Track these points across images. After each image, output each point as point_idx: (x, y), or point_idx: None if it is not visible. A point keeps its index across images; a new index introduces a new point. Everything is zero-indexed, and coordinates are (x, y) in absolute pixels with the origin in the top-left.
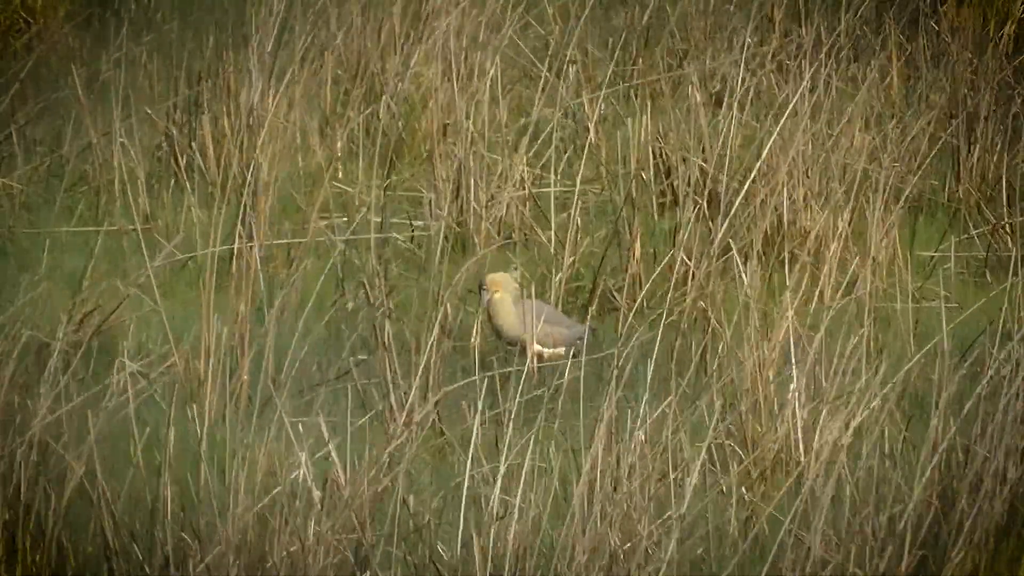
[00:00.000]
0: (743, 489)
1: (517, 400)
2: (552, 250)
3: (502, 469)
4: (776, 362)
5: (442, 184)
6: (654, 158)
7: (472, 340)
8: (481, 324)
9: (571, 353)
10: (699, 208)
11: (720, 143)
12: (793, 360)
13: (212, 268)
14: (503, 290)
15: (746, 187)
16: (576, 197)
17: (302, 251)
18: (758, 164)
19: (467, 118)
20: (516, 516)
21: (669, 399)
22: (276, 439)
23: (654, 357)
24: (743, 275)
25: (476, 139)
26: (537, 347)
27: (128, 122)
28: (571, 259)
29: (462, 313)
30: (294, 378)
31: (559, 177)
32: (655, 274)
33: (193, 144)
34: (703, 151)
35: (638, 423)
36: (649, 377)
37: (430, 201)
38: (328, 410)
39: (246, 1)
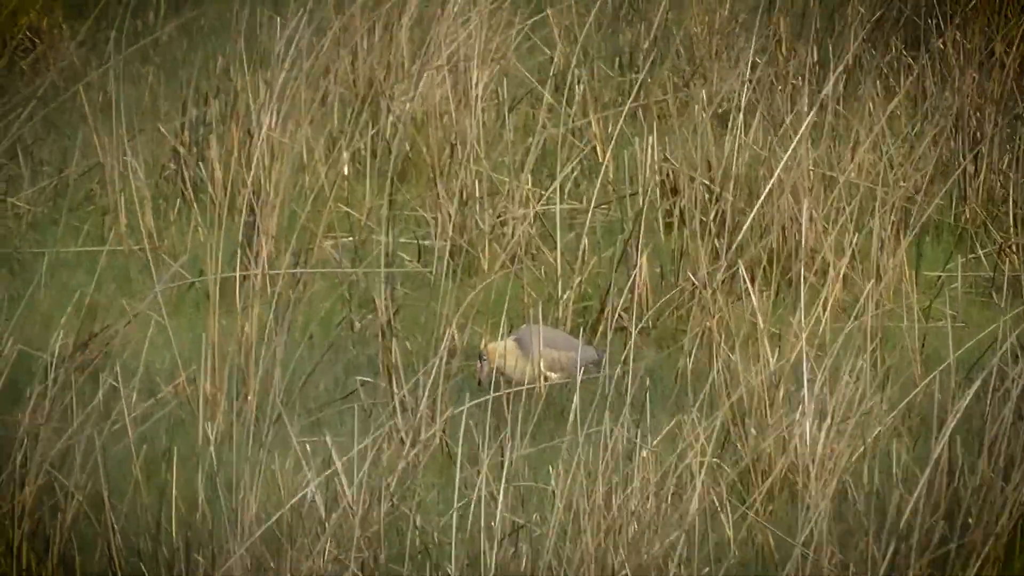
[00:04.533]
0: (749, 508)
1: (523, 421)
2: (559, 270)
3: (506, 488)
4: (784, 381)
5: (447, 205)
6: (661, 177)
7: (480, 362)
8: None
9: (581, 375)
10: (705, 228)
11: (726, 162)
12: (804, 378)
13: (217, 289)
14: (499, 355)
15: (755, 209)
16: (589, 216)
17: (308, 273)
18: (768, 186)
19: (473, 139)
20: (523, 535)
21: (676, 418)
22: (283, 459)
23: (660, 377)
24: (751, 294)
25: (482, 159)
26: (547, 373)
27: (134, 141)
28: (578, 279)
29: (468, 334)
30: (301, 398)
31: (566, 197)
32: (663, 297)
33: (200, 164)
34: (710, 170)
35: (645, 442)
36: (651, 397)
37: (436, 221)
38: (335, 430)
39: (255, 22)
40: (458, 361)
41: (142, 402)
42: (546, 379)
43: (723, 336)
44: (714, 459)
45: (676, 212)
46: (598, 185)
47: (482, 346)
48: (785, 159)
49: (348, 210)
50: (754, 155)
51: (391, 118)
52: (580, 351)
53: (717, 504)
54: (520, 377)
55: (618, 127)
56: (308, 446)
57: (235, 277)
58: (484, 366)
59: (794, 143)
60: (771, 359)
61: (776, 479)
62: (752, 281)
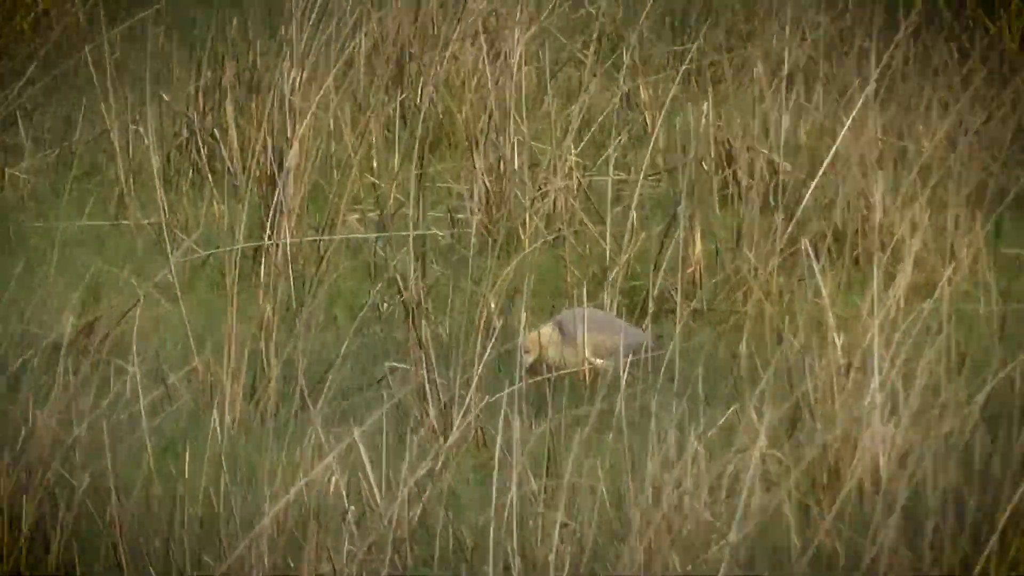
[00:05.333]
0: (815, 507)
1: (566, 410)
2: (606, 247)
3: (549, 484)
4: (852, 369)
5: (484, 175)
6: (715, 146)
7: (520, 344)
8: (527, 327)
9: (629, 361)
10: (764, 201)
11: (786, 130)
12: (875, 367)
13: (235, 265)
14: (543, 344)
15: (816, 179)
16: (638, 188)
17: (333, 248)
18: (830, 155)
19: (511, 104)
20: (566, 536)
21: (732, 408)
22: (305, 451)
23: (714, 363)
24: (816, 274)
25: (521, 127)
26: (593, 359)
27: (144, 108)
28: (626, 256)
29: (506, 315)
30: (324, 385)
31: (612, 168)
32: (718, 276)
33: (216, 132)
34: (768, 139)
35: (697, 435)
36: (704, 385)
37: (471, 194)
38: (361, 420)
39: None
40: (495, 345)
41: (152, 390)
42: (591, 365)
43: (785, 320)
44: (775, 452)
45: (732, 184)
46: (647, 155)
47: (522, 338)
48: (848, 125)
49: (375, 180)
50: (817, 123)
51: (423, 83)
52: (628, 334)
53: (780, 503)
54: (563, 364)
55: (670, 93)
56: (332, 437)
57: (253, 254)
58: (526, 359)
59: (857, 108)
60: (839, 345)
61: (844, 476)
62: (816, 259)
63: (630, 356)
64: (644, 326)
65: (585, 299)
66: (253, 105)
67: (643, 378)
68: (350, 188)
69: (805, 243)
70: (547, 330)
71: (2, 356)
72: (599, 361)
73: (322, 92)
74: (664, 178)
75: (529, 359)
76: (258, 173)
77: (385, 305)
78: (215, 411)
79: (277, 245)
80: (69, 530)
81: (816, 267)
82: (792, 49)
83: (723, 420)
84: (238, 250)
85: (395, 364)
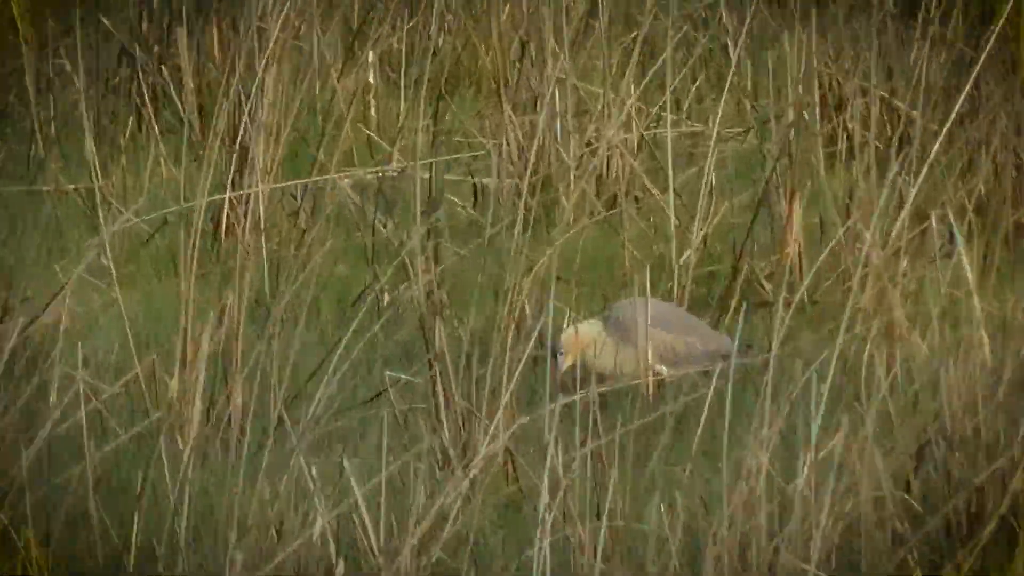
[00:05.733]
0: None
1: (622, 432)
2: (674, 220)
3: (603, 529)
4: (1003, 381)
5: (515, 127)
6: (820, 89)
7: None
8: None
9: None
10: (884, 160)
11: (913, 67)
12: None
13: (191, 244)
14: (584, 344)
15: (946, 127)
16: (716, 143)
17: (319, 223)
18: (961, 97)
19: (549, 32)
20: None
21: (841, 433)
22: (282, 488)
23: (819, 374)
24: (956, 255)
25: (563, 63)
26: (657, 367)
27: (72, 38)
28: (702, 232)
29: (545, 310)
30: (306, 402)
31: (684, 117)
32: (822, 255)
33: (165, 68)
34: (890, 79)
35: (800, 467)
36: (806, 401)
37: (499, 151)
38: (355, 447)
39: None
40: (530, 349)
41: (81, 407)
42: (656, 375)
43: (913, 316)
44: (901, 494)
45: (841, 138)
46: (729, 99)
47: (560, 335)
48: (985, 55)
49: (373, 135)
50: (954, 57)
51: (436, 6)
52: (705, 338)
53: (903, 560)
54: (616, 372)
55: (757, 17)
56: (316, 469)
57: (213, 230)
58: (562, 361)
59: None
60: (985, 348)
61: (986, 523)
62: (953, 236)
63: (706, 366)
64: (725, 328)
65: (648, 289)
66: (214, 33)
67: (725, 394)
68: (341, 144)
69: (937, 215)
70: (590, 327)
71: None
72: (665, 370)
73: (304, 17)
74: (752, 131)
75: (564, 363)
76: (220, 124)
77: (386, 297)
78: (163, 436)
79: (245, 217)
80: None
81: (959, 245)
82: None
83: (829, 448)
84: (195, 224)
85: (399, 374)
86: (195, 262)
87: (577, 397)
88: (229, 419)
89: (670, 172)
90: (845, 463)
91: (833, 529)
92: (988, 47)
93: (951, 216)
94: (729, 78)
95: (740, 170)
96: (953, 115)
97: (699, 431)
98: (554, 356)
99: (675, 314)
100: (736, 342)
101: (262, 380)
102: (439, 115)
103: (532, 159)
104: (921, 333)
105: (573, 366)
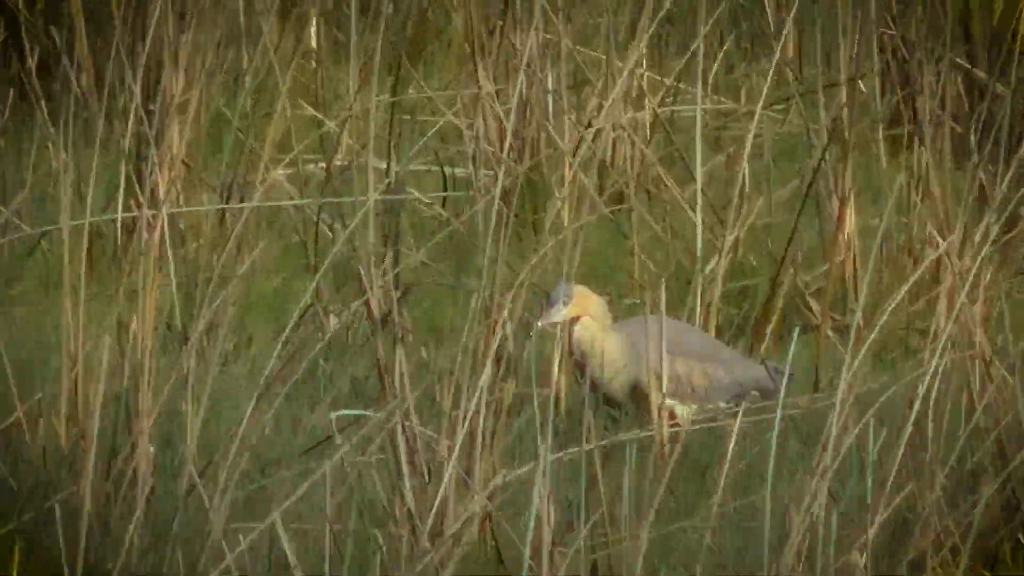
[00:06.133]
0: None
1: (631, 490)
2: (698, 221)
3: None
4: None
5: (495, 103)
6: (881, 55)
7: (552, 383)
8: (562, 360)
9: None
10: (959, 146)
11: (998, 23)
12: None
13: (83, 253)
14: (590, 313)
15: None
16: (754, 125)
17: (247, 223)
18: None
19: None
20: None
21: (908, 489)
22: (199, 564)
23: (881, 415)
24: None
25: (556, 20)
26: (669, 401)
27: None
28: (732, 237)
29: (534, 334)
30: (231, 451)
31: (709, 92)
32: (886, 271)
33: (54, 30)
34: (968, 41)
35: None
36: (860, 452)
37: (475, 135)
38: (291, 511)
39: None
40: (516, 382)
41: None
42: (672, 417)
43: (997, 342)
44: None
45: (907, 117)
46: (770, 69)
47: (570, 282)
48: None
49: (317, 114)
50: None
51: None
52: (733, 367)
53: None
54: (619, 394)
55: None
56: (243, 537)
57: (114, 234)
58: (557, 312)
59: None
60: None
61: None
62: None
63: (735, 402)
64: (759, 357)
65: (663, 308)
66: None
67: (760, 440)
68: (275, 125)
69: None
70: (601, 303)
71: None
72: (681, 411)
73: None
74: (796, 107)
75: (559, 315)
76: (124, 100)
77: (332, 318)
78: (55, 491)
79: (153, 218)
80: None
81: None
82: None
83: (894, 506)
84: (88, 226)
85: (349, 411)
86: (90, 276)
87: (570, 449)
88: (134, 474)
89: (698, 160)
90: (910, 530)
91: None
92: None
93: None
94: (777, 44)
95: (781, 158)
96: None
97: (722, 482)
98: (551, 303)
99: (695, 338)
100: (783, 372)
101: (175, 425)
102: (401, 89)
103: (518, 144)
104: (1007, 366)
105: (564, 331)
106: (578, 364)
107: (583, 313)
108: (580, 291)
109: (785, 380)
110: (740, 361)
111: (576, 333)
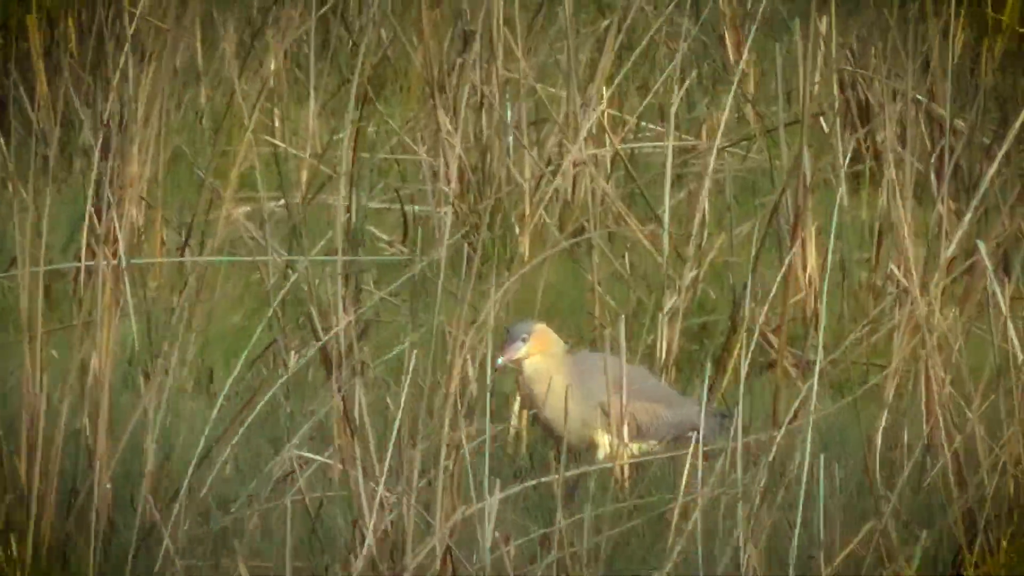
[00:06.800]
0: None
1: (593, 531)
2: (660, 257)
3: None
4: None
5: (456, 139)
6: (842, 92)
7: (510, 423)
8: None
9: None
10: (921, 181)
11: (957, 64)
12: None
13: (39, 291)
14: (550, 351)
15: (1007, 144)
16: (712, 160)
17: (207, 262)
18: None
19: (499, 18)
20: None
21: (867, 527)
22: None
23: (843, 453)
24: (1001, 301)
25: (518, 57)
26: (608, 440)
27: None
28: (692, 274)
29: (494, 375)
30: (191, 490)
31: (672, 128)
32: (847, 306)
33: (11, 66)
34: (927, 75)
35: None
36: (826, 491)
37: (435, 170)
38: (251, 548)
39: None
40: (476, 421)
41: None
42: (615, 453)
43: (958, 374)
44: None
45: (868, 154)
46: (729, 104)
47: (530, 321)
48: None
49: (279, 143)
50: (1012, 53)
51: None
52: (671, 403)
53: None
54: (566, 432)
55: (760, 0)
56: (203, 574)
57: (75, 273)
58: (516, 349)
59: None
60: None
61: None
62: (1007, 276)
63: (669, 440)
64: (716, 395)
65: (623, 344)
66: (69, 19)
67: (721, 479)
68: (239, 161)
69: (983, 250)
70: (560, 343)
71: None
72: (633, 447)
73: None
74: (757, 144)
75: (518, 353)
76: (83, 138)
77: (293, 356)
78: (10, 533)
79: (111, 258)
80: None
81: (1004, 291)
82: None
83: (850, 548)
84: (41, 264)
85: (307, 455)
86: (48, 315)
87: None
88: (97, 514)
89: (659, 196)
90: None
91: None
92: None
93: (984, 256)
94: (736, 80)
95: (741, 194)
96: (1016, 126)
97: (673, 526)
98: (511, 339)
99: (639, 377)
100: (722, 412)
101: (135, 463)
102: (363, 125)
103: (479, 180)
104: (967, 401)
105: (520, 367)
106: (526, 399)
107: (542, 351)
108: (540, 329)
109: (728, 417)
110: (679, 399)
111: (526, 369)
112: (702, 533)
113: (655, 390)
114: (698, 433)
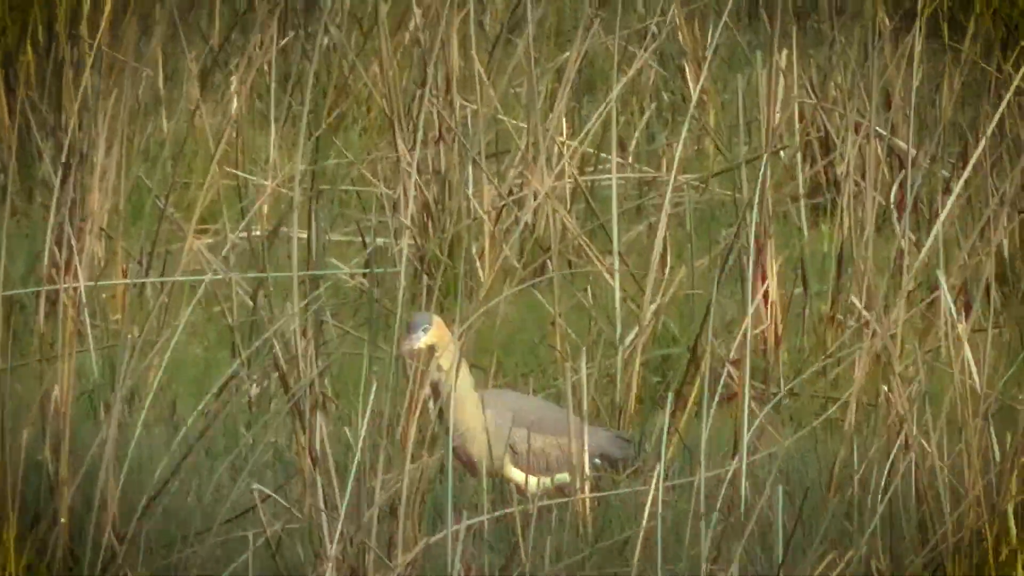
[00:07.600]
0: None
1: (550, 562)
2: (619, 290)
3: None
4: None
5: (415, 171)
6: (802, 124)
7: (474, 451)
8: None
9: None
10: (881, 214)
11: (918, 96)
12: None
13: (3, 323)
14: (443, 338)
15: (966, 174)
16: (669, 192)
17: (168, 293)
18: (984, 134)
19: (455, 49)
20: None
21: (828, 558)
22: None
23: (801, 484)
24: (963, 335)
25: (480, 85)
26: (518, 474)
27: None
28: (653, 306)
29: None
30: (151, 523)
31: (632, 159)
32: (807, 339)
33: None
34: (889, 111)
35: None
36: (785, 523)
37: (395, 203)
38: None
39: None
40: (435, 453)
41: None
42: (520, 489)
43: (918, 407)
44: None
45: (828, 186)
46: (688, 138)
47: (421, 313)
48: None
49: (242, 175)
50: (973, 80)
51: (319, 15)
52: (582, 434)
53: None
54: (480, 463)
55: (721, 34)
56: None
57: (36, 301)
58: (416, 338)
59: None
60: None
61: None
62: (967, 310)
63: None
64: (620, 425)
65: (584, 375)
66: (29, 53)
67: (675, 508)
68: (204, 193)
69: (943, 280)
70: (452, 338)
71: None
72: (531, 480)
73: (148, 33)
74: (716, 177)
75: (420, 341)
76: (42, 170)
77: (254, 388)
78: None
79: (73, 290)
80: None
81: (964, 322)
82: None
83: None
84: (9, 298)
85: (264, 490)
86: (9, 347)
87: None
88: (57, 546)
89: (615, 231)
90: None
91: None
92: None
93: (943, 287)
94: (690, 111)
95: (701, 227)
96: (974, 159)
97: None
98: (411, 330)
99: (545, 410)
100: (612, 441)
101: (91, 492)
102: (321, 155)
103: (438, 213)
104: (925, 436)
105: (428, 360)
106: (433, 388)
107: (441, 342)
108: (438, 321)
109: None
110: (594, 429)
111: (436, 362)
112: (662, 563)
113: (558, 424)
114: (610, 459)
